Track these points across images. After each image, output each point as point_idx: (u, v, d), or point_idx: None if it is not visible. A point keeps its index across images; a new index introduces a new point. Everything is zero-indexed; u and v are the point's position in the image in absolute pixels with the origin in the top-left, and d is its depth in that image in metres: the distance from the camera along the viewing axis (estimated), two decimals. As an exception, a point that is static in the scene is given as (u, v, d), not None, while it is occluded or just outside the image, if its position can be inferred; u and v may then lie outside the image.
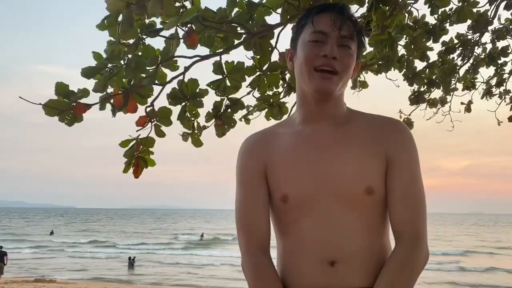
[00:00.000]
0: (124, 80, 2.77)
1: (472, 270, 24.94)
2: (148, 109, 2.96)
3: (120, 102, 2.78)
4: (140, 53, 2.77)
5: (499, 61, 4.37)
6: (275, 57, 3.23)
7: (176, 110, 3.09)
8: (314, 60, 1.27)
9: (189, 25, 2.91)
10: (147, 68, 2.79)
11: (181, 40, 2.82)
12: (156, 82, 2.94)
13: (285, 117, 3.55)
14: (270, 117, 3.32)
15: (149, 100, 2.92)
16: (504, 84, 4.58)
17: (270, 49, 3.19)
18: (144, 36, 2.61)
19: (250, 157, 1.36)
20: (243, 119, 3.34)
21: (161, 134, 3.07)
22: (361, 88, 3.74)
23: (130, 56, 2.64)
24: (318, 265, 1.24)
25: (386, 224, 1.30)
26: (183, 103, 3.09)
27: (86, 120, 2.71)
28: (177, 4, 2.80)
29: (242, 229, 1.32)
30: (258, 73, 3.22)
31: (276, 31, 3.14)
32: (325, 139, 1.30)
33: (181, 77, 3.03)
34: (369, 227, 1.26)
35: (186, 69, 3.00)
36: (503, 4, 3.71)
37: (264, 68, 3.21)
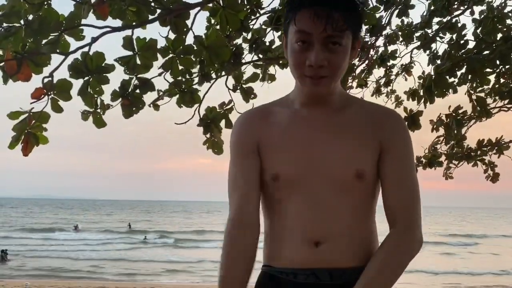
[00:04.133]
0: (20, 44, 2.41)
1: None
2: (45, 80, 2.62)
3: (12, 68, 2.41)
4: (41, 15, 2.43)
5: (388, 64, 4.80)
6: (190, 39, 3.09)
7: (77, 84, 2.79)
8: (302, 67, 1.22)
9: (99, -7, 2.64)
10: (50, 33, 2.46)
11: (91, 7, 2.55)
12: (58, 51, 2.62)
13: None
14: (182, 105, 3.17)
15: (49, 70, 2.59)
16: (391, 84, 5.05)
17: (185, 29, 3.04)
18: (50, -1, 2.29)
19: (244, 132, 1.35)
20: (151, 105, 3.13)
21: (58, 109, 2.74)
22: (270, 81, 3.77)
23: (31, 16, 2.30)
24: (304, 245, 1.24)
25: (373, 209, 1.32)
26: (86, 78, 2.79)
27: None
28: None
29: (231, 200, 1.31)
30: (171, 54, 3.05)
31: (193, 12, 3.02)
32: (320, 122, 1.29)
33: (86, 49, 2.74)
34: (355, 210, 1.27)
35: (94, 40, 2.71)
36: (396, 12, 4.05)
37: (178, 50, 3.05)
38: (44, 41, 2.49)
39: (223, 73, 3.66)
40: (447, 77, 3.86)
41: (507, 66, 3.76)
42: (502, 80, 4.23)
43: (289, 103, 1.35)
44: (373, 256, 1.23)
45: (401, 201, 1.25)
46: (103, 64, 2.78)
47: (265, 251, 1.36)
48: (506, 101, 4.54)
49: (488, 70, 3.84)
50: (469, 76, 3.96)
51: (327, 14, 1.14)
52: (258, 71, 3.85)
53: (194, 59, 3.17)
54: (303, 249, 1.25)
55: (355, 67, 4.39)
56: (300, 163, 1.26)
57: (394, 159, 1.26)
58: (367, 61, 4.32)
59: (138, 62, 2.92)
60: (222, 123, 3.63)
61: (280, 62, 3.70)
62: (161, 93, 3.22)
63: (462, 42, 3.74)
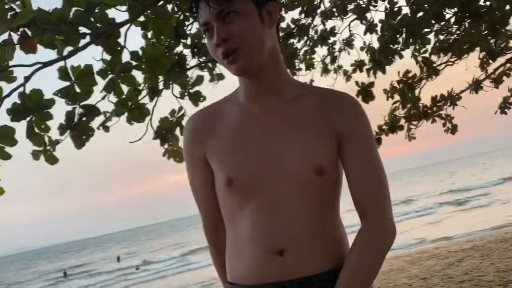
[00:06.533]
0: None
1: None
2: (-15, 129, 2.54)
3: None
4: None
5: (329, 41, 4.85)
6: (126, 56, 3.05)
7: (20, 126, 2.71)
8: (216, 52, 1.16)
9: (22, 29, 2.57)
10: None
11: (17, 46, 2.47)
12: (-9, 97, 2.54)
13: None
14: (132, 121, 3.14)
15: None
16: (337, 60, 5.11)
17: (119, 48, 3.00)
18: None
19: (192, 144, 1.28)
20: (101, 128, 3.08)
21: (5, 156, 2.67)
22: (218, 81, 3.77)
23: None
24: (266, 255, 1.14)
25: (337, 205, 1.23)
26: (28, 118, 2.73)
27: None
28: (6, 6, 2.43)
29: (199, 210, 1.34)
30: (110, 75, 3.00)
31: (123, 30, 2.97)
32: (272, 117, 1.19)
33: (21, 89, 2.67)
34: (319, 209, 1.17)
35: (27, 79, 2.65)
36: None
37: (116, 69, 3.00)
38: (-26, 91, 2.41)
39: (170, 82, 3.64)
40: (391, 45, 3.94)
41: (442, 23, 3.85)
42: (441, 37, 4.34)
43: (239, 99, 1.25)
44: (347, 258, 1.15)
45: (368, 192, 1.16)
46: (42, 101, 2.72)
47: (227, 267, 1.26)
48: (449, 55, 4.67)
49: (426, 30, 3.93)
50: (410, 40, 4.05)
51: None
52: (205, 73, 3.83)
53: (134, 76, 3.13)
54: (266, 260, 1.15)
55: (298, 50, 4.42)
56: (253, 163, 1.17)
57: (354, 147, 1.17)
58: (308, 42, 4.36)
59: (78, 90, 2.86)
60: (177, 131, 3.62)
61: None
62: (108, 114, 3.17)
63: (396, 9, 3.81)
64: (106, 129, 3.15)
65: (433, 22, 3.74)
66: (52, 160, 2.85)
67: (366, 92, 4.35)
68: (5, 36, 2.23)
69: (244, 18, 1.12)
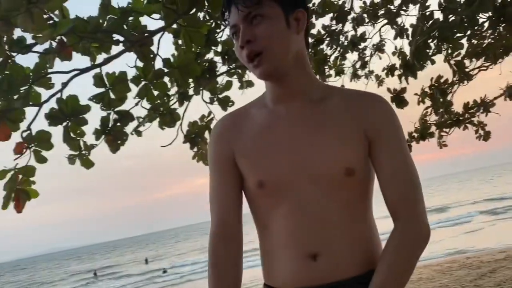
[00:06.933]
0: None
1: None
2: (24, 134, 2.65)
3: (-10, 131, 2.44)
4: (7, 73, 2.45)
5: (360, 46, 4.83)
6: (159, 63, 3.13)
7: (56, 131, 2.81)
8: (241, 55, 1.17)
9: (58, 38, 2.67)
10: (19, 89, 2.49)
11: (55, 54, 2.57)
12: (30, 103, 2.64)
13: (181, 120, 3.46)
14: (163, 126, 3.20)
15: (25, 124, 2.62)
16: (367, 66, 5.07)
17: (152, 55, 3.07)
18: (14, 54, 2.31)
19: (218, 145, 1.26)
20: (134, 133, 3.16)
21: (41, 160, 2.77)
22: (247, 87, 3.81)
23: (-2, 77, 2.32)
24: (299, 260, 1.14)
25: (370, 205, 1.21)
26: (64, 123, 2.82)
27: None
28: (45, 16, 2.53)
29: (212, 214, 1.25)
30: (143, 82, 3.07)
31: (156, 38, 3.04)
32: (300, 119, 1.18)
33: (58, 95, 2.77)
34: (352, 211, 1.16)
35: (64, 85, 2.74)
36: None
37: (149, 76, 3.07)
38: (15, 97, 2.51)
39: (200, 88, 3.70)
40: (423, 50, 3.89)
41: (475, 28, 3.78)
42: (474, 42, 4.26)
43: (266, 102, 1.25)
44: (379, 261, 1.13)
45: (399, 192, 1.14)
46: (78, 107, 2.81)
47: (262, 267, 1.25)
48: (483, 59, 4.57)
49: (459, 35, 3.86)
50: (443, 45, 3.99)
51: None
52: (234, 79, 3.88)
53: (167, 82, 3.20)
54: (300, 265, 1.14)
55: (328, 56, 4.41)
56: (284, 165, 1.16)
57: (385, 147, 1.15)
58: (338, 48, 4.35)
59: (112, 96, 2.95)
60: (206, 134, 3.70)
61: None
62: (141, 119, 3.25)
63: (428, 13, 3.76)
64: (139, 133, 3.22)
65: (466, 26, 3.67)
66: (87, 164, 2.93)
67: (398, 98, 4.31)
68: (46, 45, 2.30)
69: (270, 22, 1.13)
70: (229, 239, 1.21)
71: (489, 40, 4.37)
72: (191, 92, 3.71)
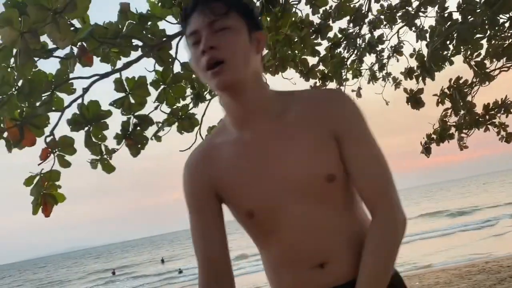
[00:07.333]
0: (16, 111, 2.49)
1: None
2: (48, 139, 2.70)
3: (15, 136, 2.49)
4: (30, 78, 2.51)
5: (378, 48, 4.80)
6: (177, 67, 3.15)
7: (77, 136, 2.86)
8: (199, 62, 1.13)
9: (79, 43, 2.72)
10: (42, 94, 2.54)
11: (76, 60, 2.62)
12: (53, 108, 2.70)
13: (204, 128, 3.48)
14: (182, 131, 3.23)
15: (48, 129, 2.67)
16: (385, 68, 5.04)
17: (170, 60, 3.10)
18: (36, 59, 2.36)
19: (195, 175, 1.24)
20: (154, 138, 3.20)
21: (65, 164, 2.82)
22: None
23: (21, 82, 2.37)
24: (309, 271, 1.17)
25: (357, 205, 1.22)
26: (86, 128, 2.87)
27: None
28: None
29: (200, 255, 1.22)
30: (162, 86, 3.11)
31: (174, 42, 3.08)
32: (269, 138, 1.17)
33: (79, 100, 2.82)
34: (344, 212, 1.18)
35: (85, 90, 2.79)
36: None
37: (168, 80, 3.11)
38: (38, 103, 2.56)
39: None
40: (441, 51, 3.85)
41: (496, 28, 3.73)
42: (494, 42, 4.20)
43: (228, 131, 1.23)
44: (362, 257, 1.15)
45: (372, 187, 1.15)
46: (99, 112, 2.86)
47: (270, 282, 1.27)
48: (504, 60, 4.50)
49: (479, 35, 3.82)
50: (461, 47, 3.94)
51: (207, 6, 1.12)
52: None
53: (185, 85, 3.23)
54: (310, 274, 1.17)
55: (345, 59, 4.39)
56: (268, 190, 1.16)
57: (351, 143, 1.15)
58: (356, 51, 4.33)
59: (132, 101, 2.99)
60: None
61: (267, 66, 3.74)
62: (160, 124, 3.28)
63: (446, 15, 3.72)
64: (158, 138, 3.25)
65: (486, 27, 3.62)
66: (109, 168, 2.98)
67: (415, 99, 4.27)
68: (67, 50, 2.35)
69: (235, 35, 1.13)
70: (221, 276, 1.20)
71: (510, 40, 4.30)
72: (208, 96, 3.74)
